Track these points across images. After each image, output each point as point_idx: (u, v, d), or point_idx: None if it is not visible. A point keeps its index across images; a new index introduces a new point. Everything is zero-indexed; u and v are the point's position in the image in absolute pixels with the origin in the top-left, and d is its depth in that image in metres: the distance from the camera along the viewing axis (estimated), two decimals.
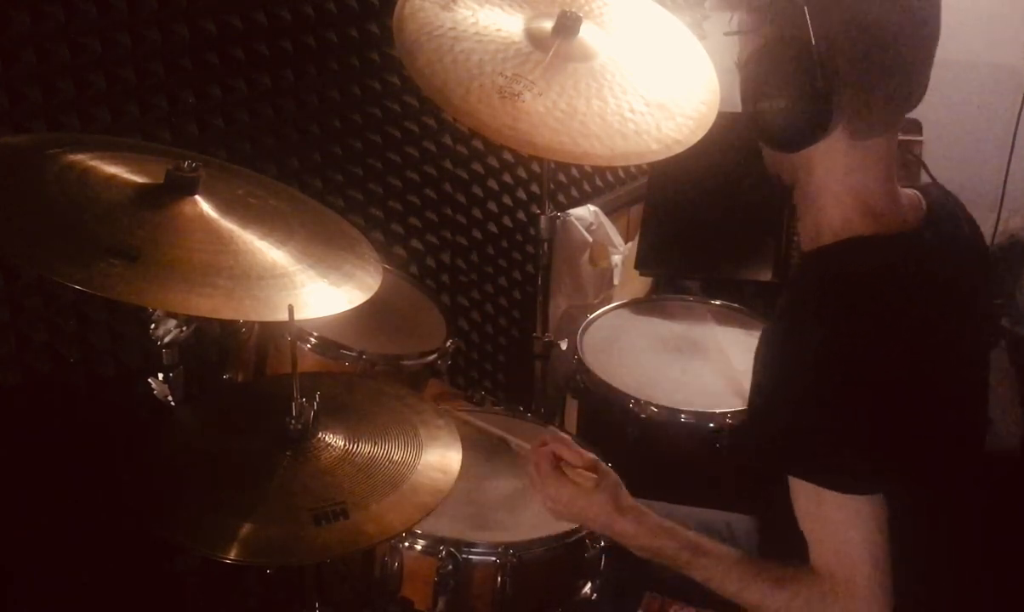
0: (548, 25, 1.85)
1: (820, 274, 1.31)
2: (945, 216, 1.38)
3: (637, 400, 1.90)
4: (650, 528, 1.37)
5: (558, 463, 1.44)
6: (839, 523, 1.22)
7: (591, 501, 1.40)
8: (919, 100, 1.29)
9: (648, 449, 1.90)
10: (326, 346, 1.71)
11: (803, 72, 1.22)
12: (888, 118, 1.28)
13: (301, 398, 1.39)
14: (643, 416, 1.90)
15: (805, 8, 1.20)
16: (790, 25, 1.22)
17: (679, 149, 1.81)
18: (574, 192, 3.00)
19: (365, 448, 1.42)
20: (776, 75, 1.24)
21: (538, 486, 1.44)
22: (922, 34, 1.25)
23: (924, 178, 1.45)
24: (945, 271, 1.35)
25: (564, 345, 2.34)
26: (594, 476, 1.41)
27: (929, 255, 1.33)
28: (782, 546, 1.33)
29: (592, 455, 1.46)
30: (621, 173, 3.19)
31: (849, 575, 1.22)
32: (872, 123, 1.27)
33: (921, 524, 1.29)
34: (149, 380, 1.55)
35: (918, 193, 1.37)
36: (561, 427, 2.10)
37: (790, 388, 1.26)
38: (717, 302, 2.30)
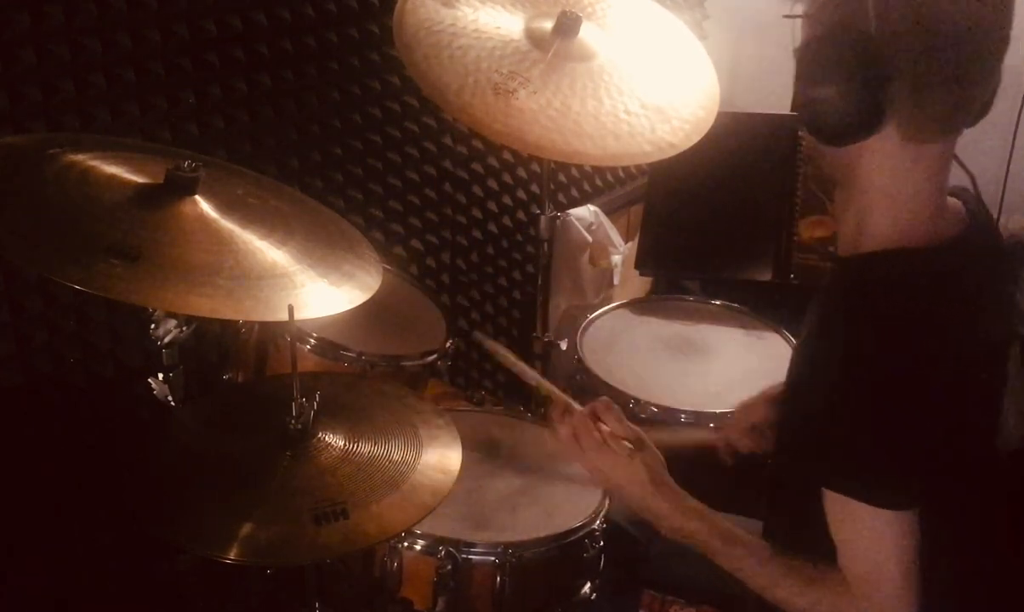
0: (548, 25, 1.84)
1: (863, 286, 1.26)
2: (983, 224, 1.34)
3: (637, 400, 1.90)
4: (684, 510, 1.37)
5: (598, 429, 1.43)
6: (872, 536, 1.21)
7: (629, 473, 1.40)
8: (981, 114, 1.24)
9: None
10: (326, 347, 1.71)
11: (857, 63, 1.16)
12: (944, 124, 1.22)
13: (301, 398, 1.39)
14: (643, 416, 1.89)
15: None
16: (852, 13, 1.17)
17: (673, 152, 1.80)
18: (574, 192, 3.00)
19: (365, 448, 1.42)
20: (829, 64, 1.18)
21: (575, 451, 1.44)
22: (986, 43, 1.18)
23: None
24: (985, 281, 1.31)
25: (564, 345, 2.34)
26: (630, 446, 1.41)
27: (972, 265, 1.29)
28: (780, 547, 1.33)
29: (638, 429, 1.44)
30: (621, 173, 3.19)
31: (878, 586, 1.21)
32: (926, 127, 1.22)
33: (952, 539, 1.27)
34: (149, 380, 1.56)
35: (957, 200, 1.33)
36: None
37: (832, 401, 1.22)
38: (717, 302, 2.30)
